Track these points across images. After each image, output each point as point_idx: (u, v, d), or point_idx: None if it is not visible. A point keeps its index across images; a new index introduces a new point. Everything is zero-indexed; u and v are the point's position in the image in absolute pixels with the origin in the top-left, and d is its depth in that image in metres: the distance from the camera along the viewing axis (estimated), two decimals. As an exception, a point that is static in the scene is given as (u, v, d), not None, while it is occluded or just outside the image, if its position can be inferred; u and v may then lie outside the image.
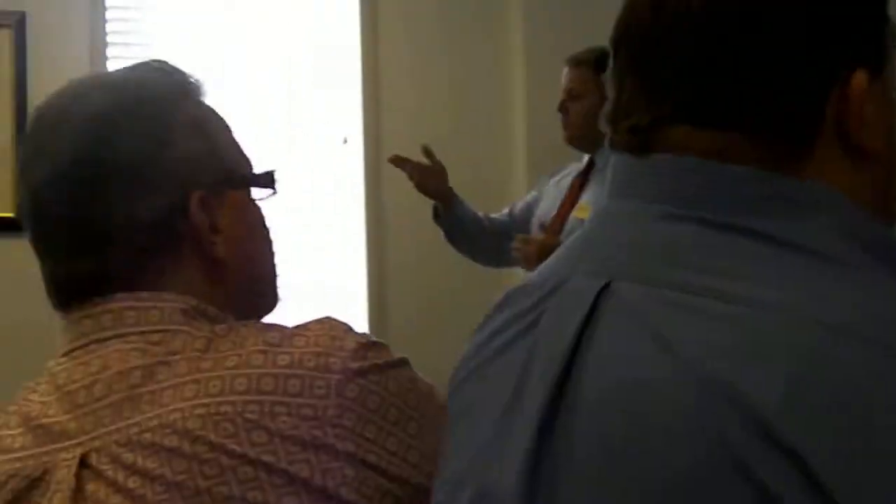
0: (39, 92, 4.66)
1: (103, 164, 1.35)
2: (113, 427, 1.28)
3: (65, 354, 1.38)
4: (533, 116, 5.00)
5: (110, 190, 1.35)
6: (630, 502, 0.89)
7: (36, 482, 1.31)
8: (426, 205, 4.10)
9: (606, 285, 0.99)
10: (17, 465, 1.34)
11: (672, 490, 0.87)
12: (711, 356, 0.88)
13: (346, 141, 5.14)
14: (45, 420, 1.34)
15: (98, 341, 1.35)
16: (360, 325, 4.82)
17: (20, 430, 1.36)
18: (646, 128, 1.03)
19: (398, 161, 4.04)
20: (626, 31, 1.07)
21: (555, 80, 5.02)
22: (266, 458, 1.23)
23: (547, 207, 4.11)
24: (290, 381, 1.26)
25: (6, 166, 4.66)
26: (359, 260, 5.15)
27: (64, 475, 1.29)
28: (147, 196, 1.36)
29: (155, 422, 1.26)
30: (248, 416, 1.24)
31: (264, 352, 1.28)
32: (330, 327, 1.32)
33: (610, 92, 1.07)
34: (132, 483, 1.25)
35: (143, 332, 1.34)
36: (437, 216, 4.17)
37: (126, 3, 4.93)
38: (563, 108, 4.07)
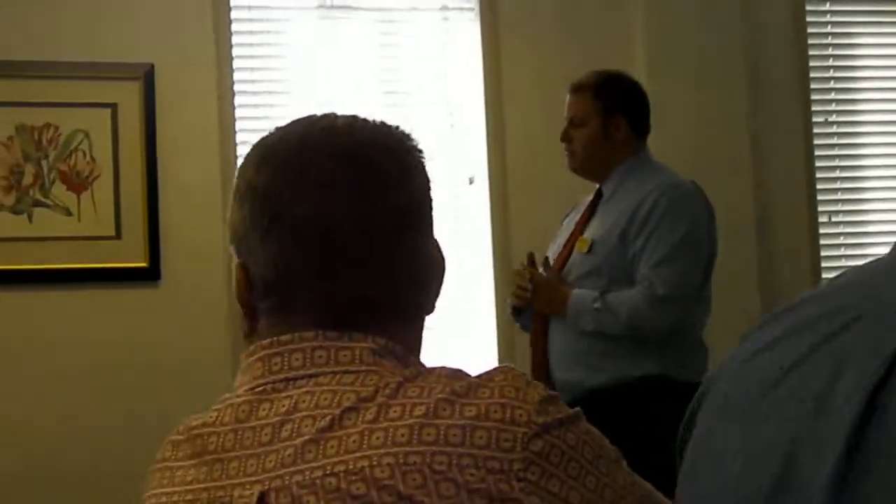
0: (168, 143, 4.74)
1: (410, 196, 1.44)
2: (294, 468, 1.29)
3: (249, 390, 1.39)
4: (655, 145, 4.97)
5: (414, 223, 1.44)
6: None
7: None
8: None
9: None
10: (189, 497, 1.36)
11: None
12: None
13: (472, 181, 5.14)
14: (223, 455, 1.35)
15: (287, 380, 1.36)
16: (490, 361, 4.80)
17: (192, 461, 1.38)
18: None
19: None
20: None
21: (677, 112, 4.99)
22: None
23: (557, 244, 4.03)
24: (477, 433, 1.26)
25: (138, 217, 4.73)
26: (486, 300, 5.14)
27: None
28: (430, 232, 1.47)
29: (341, 467, 1.26)
30: (437, 467, 1.24)
31: (451, 402, 1.28)
32: (513, 378, 1.32)
33: None
34: None
35: (334, 373, 1.35)
36: (516, 313, 4.10)
37: (252, 52, 5.00)
38: (566, 136, 3.98)
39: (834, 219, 5.43)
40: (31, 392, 4.60)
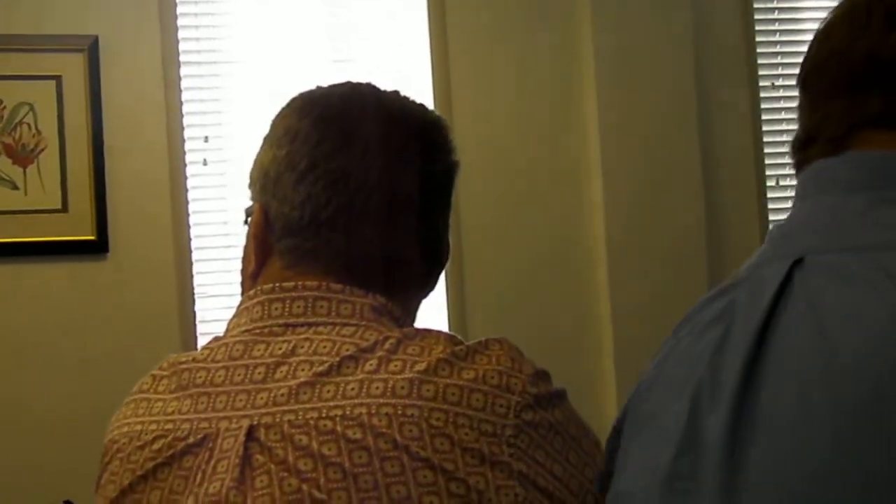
0: (114, 115, 4.70)
1: (442, 172, 1.55)
2: (287, 407, 1.30)
3: (246, 331, 1.40)
4: (601, 108, 4.97)
5: (441, 199, 1.54)
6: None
7: (192, 447, 1.33)
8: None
9: (800, 260, 1.06)
10: (168, 426, 1.35)
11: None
12: None
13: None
14: (210, 388, 1.35)
15: (286, 325, 1.38)
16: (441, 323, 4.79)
17: (175, 394, 1.37)
18: (841, 136, 1.16)
19: None
20: (822, 63, 1.20)
21: (623, 79, 5.00)
22: (447, 465, 1.26)
23: None
24: (474, 396, 1.29)
25: (85, 190, 4.69)
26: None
27: (231, 444, 1.31)
28: (449, 214, 1.57)
29: (338, 412, 1.28)
30: (433, 422, 1.27)
31: (451, 363, 1.31)
32: (509, 348, 1.36)
33: (803, 120, 1.22)
34: (303, 465, 1.27)
35: (334, 324, 1.37)
36: None
37: (198, 22, 4.96)
38: None
39: (781, 182, 5.46)
40: (-20, 367, 4.57)
